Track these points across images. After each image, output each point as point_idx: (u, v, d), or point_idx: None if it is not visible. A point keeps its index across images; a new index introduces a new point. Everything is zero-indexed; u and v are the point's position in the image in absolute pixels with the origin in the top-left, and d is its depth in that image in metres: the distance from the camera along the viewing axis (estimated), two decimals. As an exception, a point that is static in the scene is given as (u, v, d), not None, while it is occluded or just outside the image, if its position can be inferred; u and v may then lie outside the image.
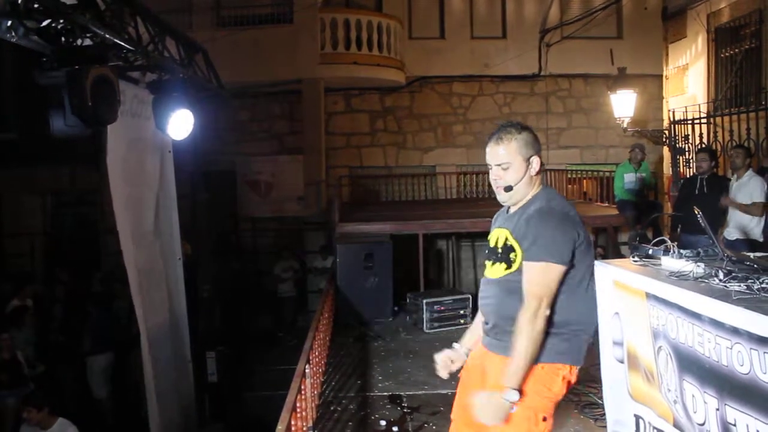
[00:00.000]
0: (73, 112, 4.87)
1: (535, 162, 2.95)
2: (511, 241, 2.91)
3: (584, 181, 14.43)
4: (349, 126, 14.60)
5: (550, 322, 2.81)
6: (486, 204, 10.22)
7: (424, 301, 8.49)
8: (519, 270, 2.86)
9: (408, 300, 9.01)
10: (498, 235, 3.03)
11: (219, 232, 12.45)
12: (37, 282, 10.58)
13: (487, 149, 2.98)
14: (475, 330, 3.26)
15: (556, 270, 2.80)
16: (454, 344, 3.30)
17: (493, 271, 3.01)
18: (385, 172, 14.69)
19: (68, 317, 9.52)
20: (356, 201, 13.94)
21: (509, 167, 2.92)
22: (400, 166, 14.72)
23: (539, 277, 2.79)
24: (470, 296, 8.62)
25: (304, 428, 4.71)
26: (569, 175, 14.05)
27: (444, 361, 3.24)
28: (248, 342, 10.61)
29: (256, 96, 13.66)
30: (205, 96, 7.59)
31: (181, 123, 6.36)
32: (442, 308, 8.52)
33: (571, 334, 2.90)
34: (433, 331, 8.33)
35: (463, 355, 3.24)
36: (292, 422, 4.18)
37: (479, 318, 3.23)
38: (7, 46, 4.77)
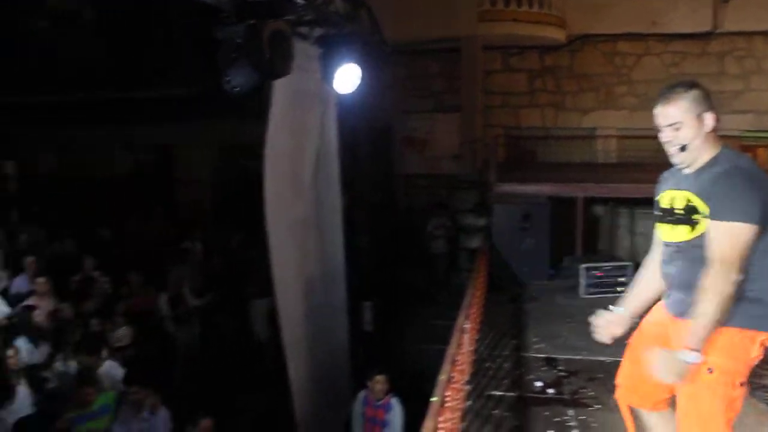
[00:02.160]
0: (250, 65, 5.07)
1: (709, 118, 2.81)
2: (696, 202, 2.75)
3: (758, 149, 13.33)
4: (507, 85, 14.30)
5: (744, 286, 2.64)
6: (649, 170, 9.69)
7: (583, 266, 8.25)
8: (704, 233, 2.71)
9: (564, 263, 8.79)
10: (674, 197, 2.88)
11: (376, 187, 12.66)
12: (205, 227, 11.21)
13: (656, 111, 2.86)
14: (642, 294, 3.13)
15: (748, 231, 2.62)
16: (613, 308, 3.17)
17: (675, 234, 2.85)
18: (542, 133, 14.29)
19: (232, 262, 10.06)
20: (511, 161, 13.69)
21: (681, 126, 2.80)
22: (557, 128, 14.25)
23: (729, 238, 2.62)
24: (631, 264, 8.28)
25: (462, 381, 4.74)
26: (743, 142, 13.01)
27: (606, 325, 3.13)
28: (402, 295, 10.77)
29: (413, 54, 13.65)
30: (366, 52, 7.65)
31: (347, 77, 6.47)
32: (601, 274, 8.25)
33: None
34: (590, 296, 8.11)
35: (627, 319, 3.12)
36: (453, 375, 4.22)
37: (646, 282, 3.11)
38: (185, 3, 5.01)
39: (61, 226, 11.44)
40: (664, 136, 2.85)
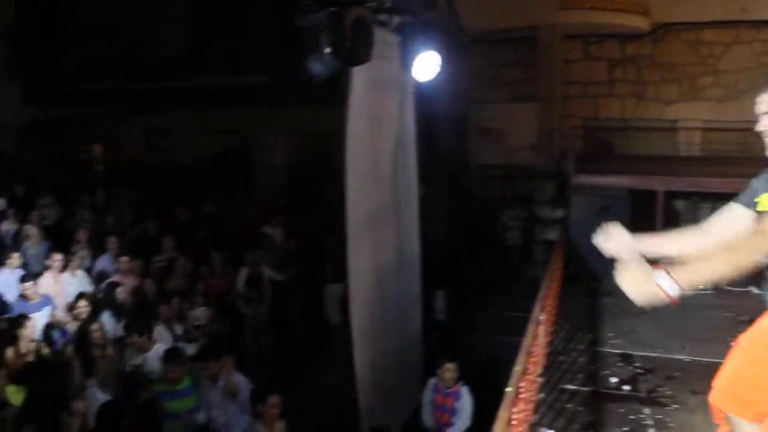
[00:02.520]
0: (331, 51, 5.13)
1: None
2: None
3: None
4: (586, 74, 13.98)
5: None
6: (737, 164, 9.36)
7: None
8: None
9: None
10: None
11: (452, 177, 12.62)
12: (284, 213, 11.37)
13: (758, 99, 2.64)
14: (666, 245, 2.87)
15: None
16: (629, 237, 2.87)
17: None
18: (621, 125, 13.93)
19: (307, 247, 10.21)
20: (589, 152, 13.40)
21: None
22: (637, 119, 13.86)
23: None
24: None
25: (536, 373, 4.71)
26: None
27: (618, 240, 2.84)
28: (474, 286, 10.73)
29: (490, 43, 13.50)
30: (444, 40, 7.62)
31: (426, 65, 6.47)
32: (683, 271, 7.98)
33: None
34: (669, 293, 7.88)
35: (635, 251, 2.72)
36: (527, 366, 4.19)
37: (678, 240, 2.87)
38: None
39: (144, 208, 11.82)
40: (763, 124, 2.66)
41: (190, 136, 16.09)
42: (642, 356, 6.07)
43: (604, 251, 2.86)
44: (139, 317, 7.15)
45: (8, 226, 10.59)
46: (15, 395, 5.66)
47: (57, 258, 8.27)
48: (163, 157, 16.51)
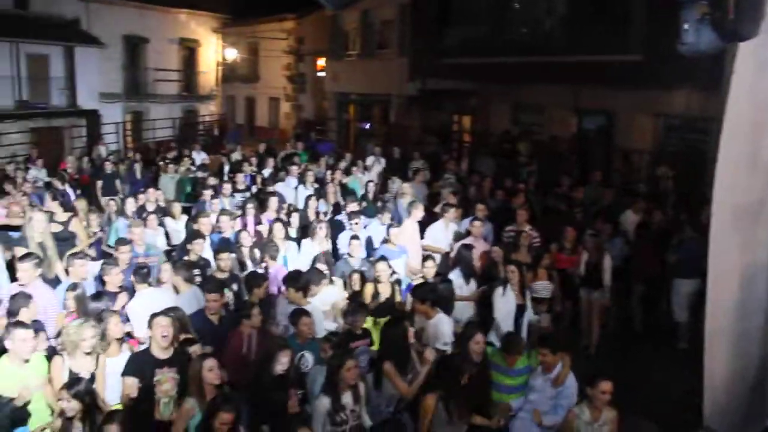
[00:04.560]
0: (712, 26, 4.77)
1: None
2: None
3: None
4: None
5: None
6: None
7: None
8: None
9: None
10: None
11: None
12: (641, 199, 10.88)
13: None
14: None
15: None
16: None
17: None
18: None
19: (661, 238, 9.66)
20: None
21: None
22: None
23: None
24: None
25: None
26: None
27: None
28: None
29: None
30: None
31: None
32: None
33: None
34: None
35: None
36: None
37: None
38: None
39: (503, 180, 12.27)
40: None
41: (556, 113, 16.24)
42: None
43: None
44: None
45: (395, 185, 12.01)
46: (372, 328, 6.48)
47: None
48: (528, 131, 16.92)
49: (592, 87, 14.50)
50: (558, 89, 15.30)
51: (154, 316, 5.55)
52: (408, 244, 8.79)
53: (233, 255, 8.06)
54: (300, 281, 6.83)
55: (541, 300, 8.00)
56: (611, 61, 13.20)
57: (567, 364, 5.79)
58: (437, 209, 10.20)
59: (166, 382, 5.28)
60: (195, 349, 5.80)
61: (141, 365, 5.36)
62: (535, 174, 13.41)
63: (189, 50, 29.11)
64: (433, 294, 6.70)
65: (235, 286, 7.53)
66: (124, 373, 5.31)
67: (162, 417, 5.25)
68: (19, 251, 7.37)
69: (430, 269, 7.85)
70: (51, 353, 5.61)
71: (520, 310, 7.36)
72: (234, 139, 22.31)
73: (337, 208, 10.75)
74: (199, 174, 13.15)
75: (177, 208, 10.25)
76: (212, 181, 11.96)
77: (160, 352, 5.40)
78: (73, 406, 4.63)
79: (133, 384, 5.25)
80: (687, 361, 8.35)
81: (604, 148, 15.34)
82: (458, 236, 9.28)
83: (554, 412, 5.66)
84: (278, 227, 8.69)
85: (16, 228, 8.59)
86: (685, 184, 11.91)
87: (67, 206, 9.82)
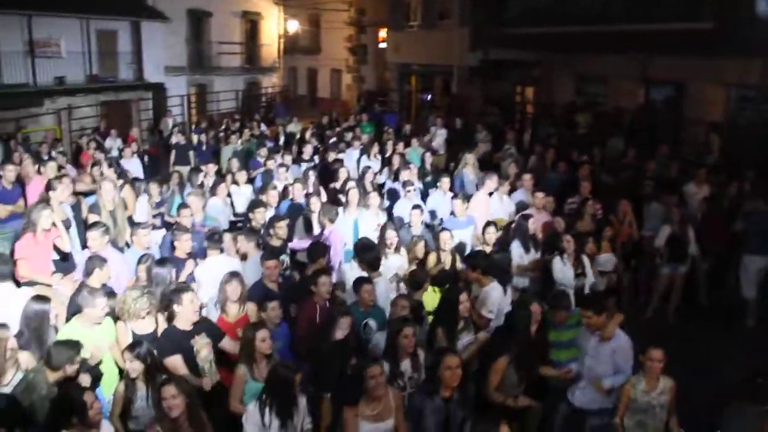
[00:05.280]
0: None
1: None
2: None
3: None
4: None
5: None
6: None
7: None
8: None
9: None
10: None
11: None
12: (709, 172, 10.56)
13: None
14: None
15: None
16: None
17: None
18: None
19: (731, 212, 9.39)
20: None
21: None
22: None
23: None
24: None
25: None
26: None
27: None
28: None
29: None
30: None
31: None
32: None
33: None
34: None
35: None
36: None
37: None
38: None
39: (567, 152, 12.08)
40: None
41: (622, 84, 15.81)
42: None
43: None
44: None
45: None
46: (432, 296, 6.52)
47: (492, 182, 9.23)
48: (592, 102, 16.58)
49: (660, 56, 14.05)
50: (624, 59, 14.88)
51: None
52: (480, 215, 8.74)
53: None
54: (369, 254, 6.79)
55: (604, 273, 7.91)
56: (681, 29, 12.77)
57: (615, 321, 5.68)
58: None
59: (202, 349, 5.38)
60: (251, 307, 5.96)
61: (176, 341, 5.37)
62: (601, 146, 13.15)
63: (251, 23, 29.28)
64: (485, 262, 6.72)
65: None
66: (162, 356, 5.24)
67: (208, 387, 5.30)
68: (91, 218, 7.62)
69: (491, 235, 7.84)
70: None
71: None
72: (281, 113, 22.44)
73: (398, 179, 10.78)
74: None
75: (242, 176, 10.40)
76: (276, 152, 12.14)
77: (184, 324, 5.44)
78: (135, 367, 4.82)
79: (176, 361, 5.27)
80: (755, 340, 8.19)
81: (673, 120, 14.90)
82: (521, 206, 9.23)
83: (613, 373, 5.55)
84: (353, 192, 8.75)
85: (91, 193, 8.94)
86: (759, 156, 11.47)
87: (123, 175, 10.07)
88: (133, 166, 11.98)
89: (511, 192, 9.68)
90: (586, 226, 8.43)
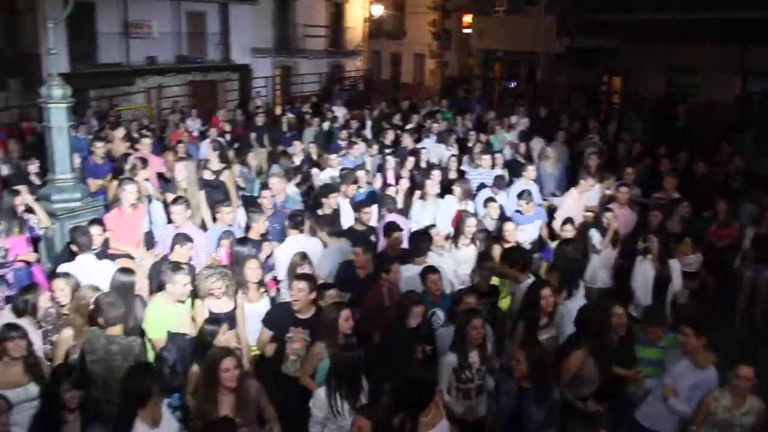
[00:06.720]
0: None
1: None
2: None
3: None
4: None
5: None
6: None
7: None
8: None
9: None
10: None
11: None
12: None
13: None
14: None
15: None
16: None
17: None
18: None
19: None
20: None
21: None
22: None
23: None
24: None
25: None
26: None
27: None
28: None
29: None
30: None
31: None
32: None
33: None
34: None
35: None
36: None
37: None
38: None
39: (654, 144, 11.65)
40: None
41: (716, 75, 15.09)
42: None
43: None
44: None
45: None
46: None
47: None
48: (683, 94, 15.91)
49: (759, 46, 13.32)
50: (719, 49, 14.17)
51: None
52: (566, 211, 8.50)
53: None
54: (419, 248, 6.76)
55: (690, 274, 7.57)
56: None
57: (713, 357, 5.28)
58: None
59: (297, 341, 5.45)
60: (332, 293, 5.99)
61: (279, 320, 5.55)
62: (693, 139, 12.58)
63: (336, 6, 29.44)
64: (524, 258, 6.57)
65: (373, 238, 7.64)
66: (264, 323, 5.59)
67: (288, 371, 5.44)
68: (170, 196, 7.85)
69: (568, 233, 7.70)
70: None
71: (661, 282, 7.01)
72: (340, 97, 22.25)
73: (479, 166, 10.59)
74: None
75: (330, 160, 10.24)
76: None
77: (301, 311, 5.54)
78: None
79: (268, 337, 5.53)
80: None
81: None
82: (605, 199, 8.97)
83: (688, 400, 5.14)
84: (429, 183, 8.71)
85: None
86: None
87: (224, 157, 10.23)
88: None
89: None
90: (674, 227, 8.11)
